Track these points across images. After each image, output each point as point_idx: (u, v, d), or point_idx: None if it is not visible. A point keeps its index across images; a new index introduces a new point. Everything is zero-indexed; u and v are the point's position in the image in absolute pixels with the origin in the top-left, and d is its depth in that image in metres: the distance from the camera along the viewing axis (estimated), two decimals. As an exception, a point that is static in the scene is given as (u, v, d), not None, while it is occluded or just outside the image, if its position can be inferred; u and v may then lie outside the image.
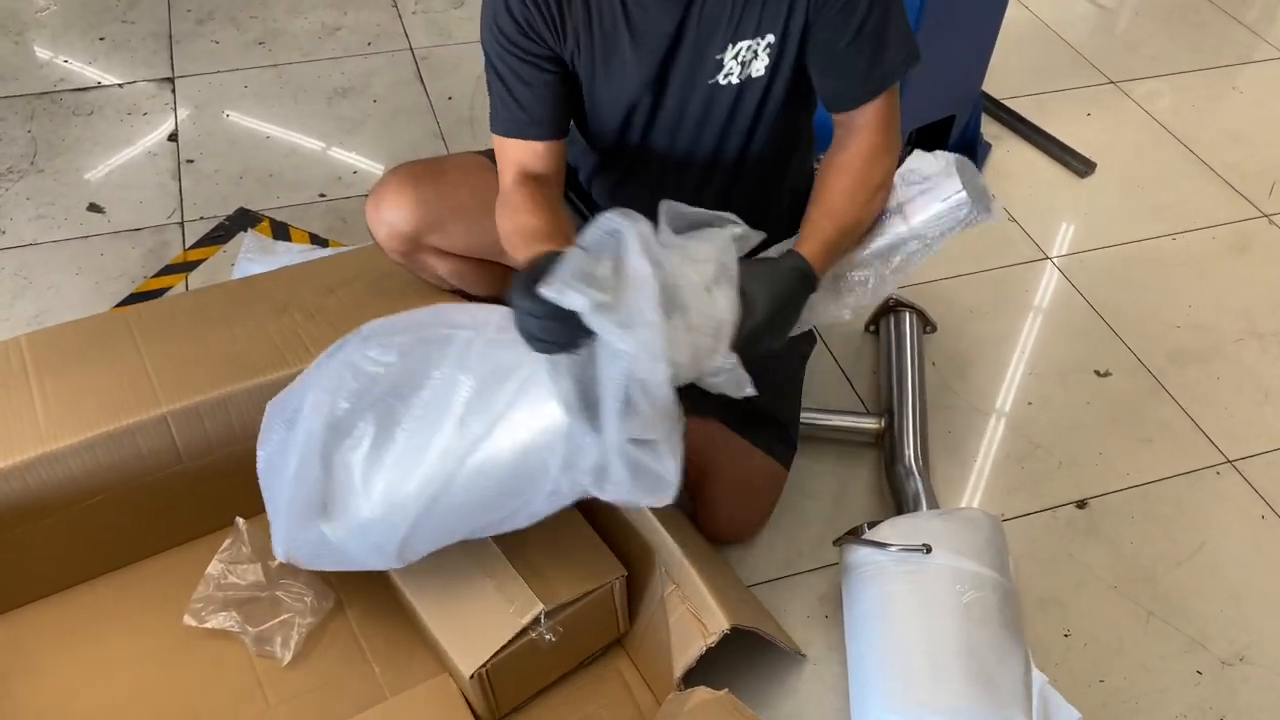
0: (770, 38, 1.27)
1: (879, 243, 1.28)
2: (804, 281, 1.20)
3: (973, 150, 2.28)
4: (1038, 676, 1.33)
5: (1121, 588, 1.56)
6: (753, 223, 1.14)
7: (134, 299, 1.92)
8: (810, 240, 1.23)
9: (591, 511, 1.39)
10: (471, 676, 1.24)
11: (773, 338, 1.16)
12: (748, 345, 1.10)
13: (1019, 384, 1.87)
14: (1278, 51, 2.77)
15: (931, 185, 1.25)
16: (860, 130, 1.30)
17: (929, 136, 2.21)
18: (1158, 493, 1.70)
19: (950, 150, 2.19)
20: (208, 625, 1.40)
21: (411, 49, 2.61)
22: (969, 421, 1.80)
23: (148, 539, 1.48)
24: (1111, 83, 2.61)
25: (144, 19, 2.64)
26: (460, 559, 1.31)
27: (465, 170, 1.51)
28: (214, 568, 1.42)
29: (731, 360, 1.07)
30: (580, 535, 1.36)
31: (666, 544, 1.33)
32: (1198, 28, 2.85)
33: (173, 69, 2.49)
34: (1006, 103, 2.48)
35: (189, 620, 1.40)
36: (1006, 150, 2.38)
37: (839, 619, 1.47)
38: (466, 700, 1.30)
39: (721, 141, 1.38)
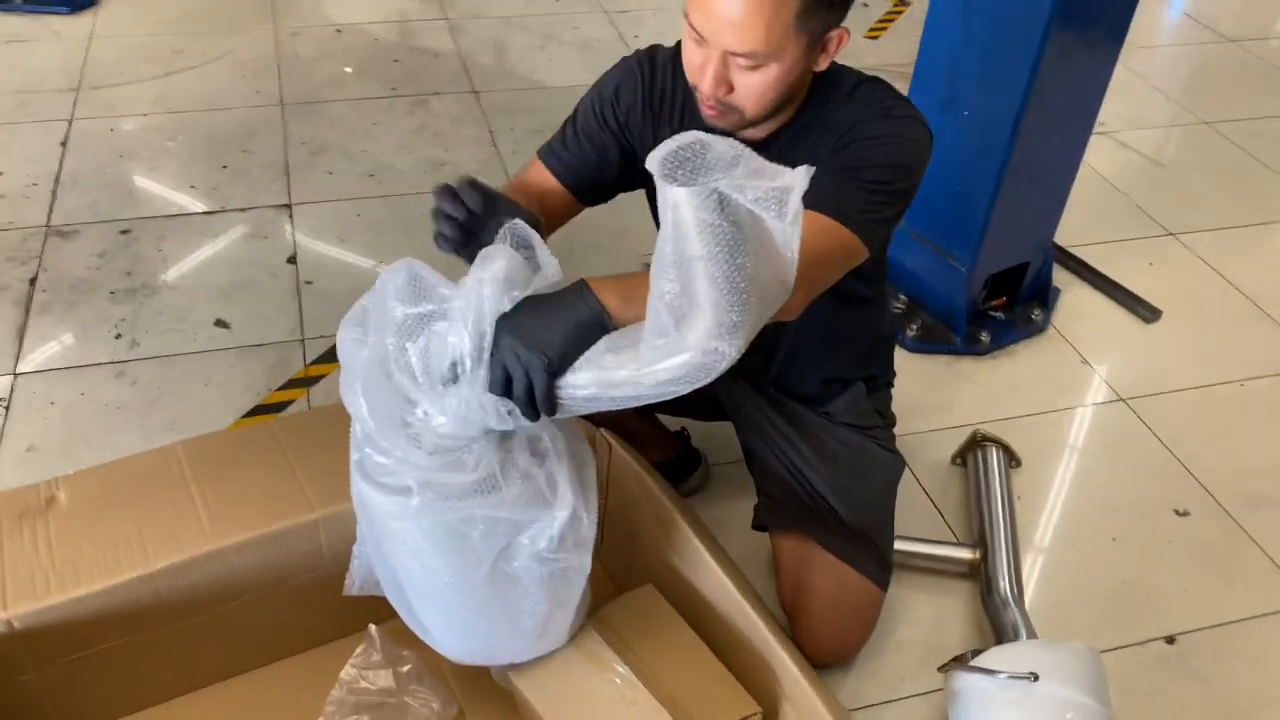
0: None
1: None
2: (577, 293, 1.12)
3: (1044, 295, 2.40)
4: (1145, 808, 1.37)
5: (1216, 725, 1.60)
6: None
7: (259, 410, 2.04)
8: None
9: (702, 628, 1.46)
10: None
11: (519, 335, 1.10)
12: (501, 340, 1.10)
13: (1102, 520, 1.94)
14: (1329, 209, 2.91)
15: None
16: None
17: (1003, 282, 2.33)
18: (1244, 632, 1.74)
19: (1024, 293, 2.34)
20: (340, 727, 1.46)
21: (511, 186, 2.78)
22: (1055, 554, 1.86)
23: (287, 640, 1.56)
24: (1170, 234, 2.75)
25: (262, 149, 2.85)
26: (595, 685, 1.37)
27: None
28: (347, 672, 1.49)
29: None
30: (712, 669, 1.42)
31: (781, 660, 1.37)
32: (1250, 185, 3.00)
33: (290, 196, 2.67)
34: (1073, 251, 2.61)
35: (323, 722, 1.47)
36: (1075, 296, 2.50)
37: (943, 744, 1.52)
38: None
39: None
